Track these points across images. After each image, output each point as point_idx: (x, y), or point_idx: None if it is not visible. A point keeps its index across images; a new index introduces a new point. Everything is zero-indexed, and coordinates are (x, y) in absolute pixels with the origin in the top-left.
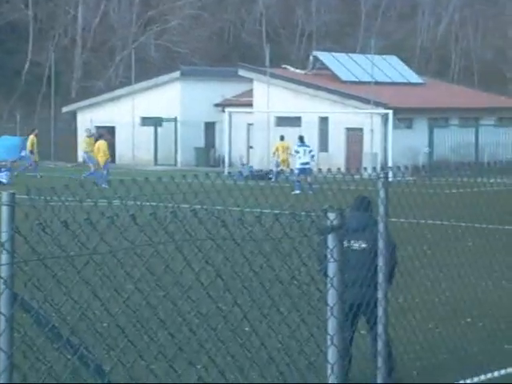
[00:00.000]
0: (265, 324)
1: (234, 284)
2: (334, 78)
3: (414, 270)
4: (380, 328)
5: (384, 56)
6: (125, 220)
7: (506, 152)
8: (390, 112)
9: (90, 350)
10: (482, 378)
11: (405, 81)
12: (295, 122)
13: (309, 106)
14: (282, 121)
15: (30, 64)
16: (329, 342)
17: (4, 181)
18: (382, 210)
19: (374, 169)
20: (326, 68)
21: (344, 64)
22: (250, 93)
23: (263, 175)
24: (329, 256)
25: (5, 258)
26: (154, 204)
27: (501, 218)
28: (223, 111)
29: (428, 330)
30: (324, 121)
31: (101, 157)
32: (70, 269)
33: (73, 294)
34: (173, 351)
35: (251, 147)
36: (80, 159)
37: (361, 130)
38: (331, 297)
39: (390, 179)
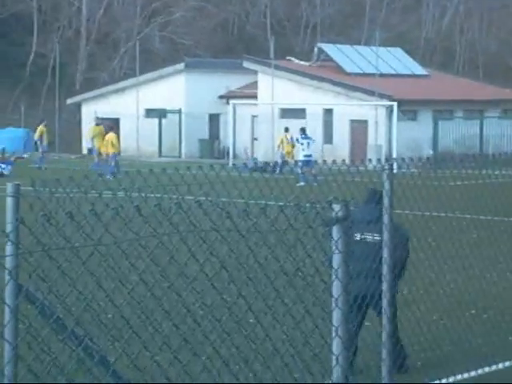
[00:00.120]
0: (269, 315)
1: (238, 275)
2: (339, 69)
3: (418, 262)
4: (384, 319)
5: (388, 48)
6: (129, 211)
7: (510, 144)
8: (395, 104)
9: (94, 341)
10: (487, 369)
11: (409, 73)
12: (300, 113)
13: (313, 97)
14: (287, 113)
15: (34, 56)
16: (333, 334)
17: (6, 172)
18: (386, 201)
19: (379, 160)
20: (331, 60)
21: (348, 56)
22: (254, 85)
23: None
24: (333, 247)
25: (9, 248)
26: (159, 195)
27: (505, 209)
28: (227, 103)
29: (432, 322)
30: (328, 113)
31: (110, 149)
32: (75, 260)
33: (77, 285)
34: (177, 342)
35: (255, 139)
36: (84, 151)
37: (365, 121)
38: (336, 288)
39: (395, 171)
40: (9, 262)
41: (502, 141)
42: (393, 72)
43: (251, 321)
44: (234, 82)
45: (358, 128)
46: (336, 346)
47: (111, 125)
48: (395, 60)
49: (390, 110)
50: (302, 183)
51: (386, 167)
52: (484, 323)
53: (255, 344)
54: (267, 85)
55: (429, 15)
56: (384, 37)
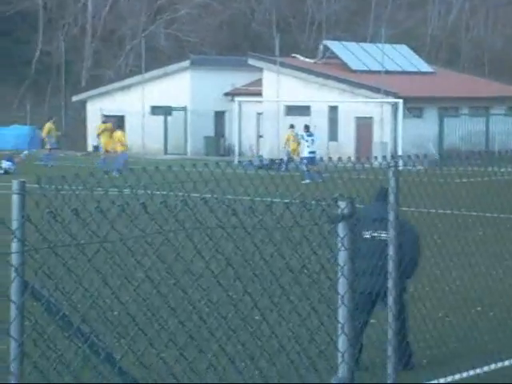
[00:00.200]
0: (275, 312)
1: (244, 272)
2: (344, 66)
3: (424, 259)
4: (390, 317)
5: (394, 45)
6: (135, 208)
7: None
8: (400, 101)
9: (100, 338)
10: (493, 366)
11: (415, 70)
12: (305, 111)
13: (318, 95)
14: (292, 110)
15: (39, 53)
16: (339, 331)
17: (11, 170)
18: (392, 199)
19: (384, 158)
20: (336, 57)
21: (354, 53)
22: (259, 82)
23: (276, 163)
24: (339, 245)
25: (15, 246)
26: (165, 193)
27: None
28: (233, 100)
29: (438, 319)
30: (334, 110)
31: (118, 147)
32: (81, 257)
33: (83, 282)
34: (183, 339)
35: (261, 136)
36: (90, 148)
37: (370, 119)
38: (342, 285)
39: (401, 168)
40: (15, 259)
41: (508, 138)
42: (398, 69)
43: (257, 318)
44: (240, 79)
45: (364, 125)
46: (342, 343)
47: (119, 123)
48: (401, 57)
49: (395, 107)
50: (307, 180)
51: (392, 164)
52: (490, 320)
53: (261, 341)
54: (272, 82)
55: (434, 12)
56: (389, 34)
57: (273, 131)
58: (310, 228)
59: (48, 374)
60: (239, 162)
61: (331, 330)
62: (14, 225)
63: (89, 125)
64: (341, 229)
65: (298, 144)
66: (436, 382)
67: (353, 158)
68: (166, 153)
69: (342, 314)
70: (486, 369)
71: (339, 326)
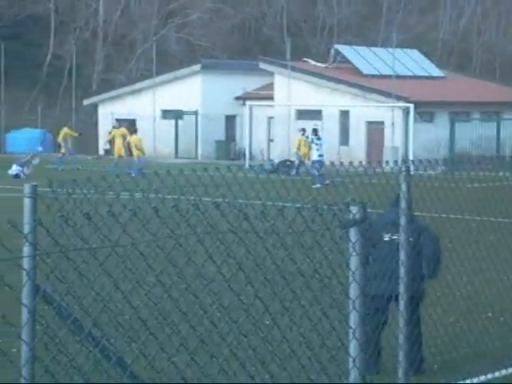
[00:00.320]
0: (286, 317)
1: (255, 277)
2: (355, 71)
3: None
4: (401, 322)
5: (405, 49)
6: (147, 212)
7: None
8: (411, 106)
9: (111, 342)
10: (504, 372)
11: (426, 74)
12: (316, 115)
13: (329, 99)
14: (303, 114)
15: (51, 57)
16: (350, 336)
17: (22, 174)
18: (403, 203)
19: (396, 162)
20: (347, 61)
21: (365, 57)
22: (270, 86)
23: (287, 165)
24: (351, 249)
25: (27, 249)
26: (176, 197)
27: None
28: (244, 104)
29: (449, 324)
30: (345, 114)
31: (135, 152)
32: (92, 261)
33: (95, 287)
34: (194, 344)
35: (272, 140)
36: (101, 152)
37: (382, 123)
38: (353, 290)
39: (412, 173)
40: (26, 263)
41: None
42: (409, 74)
43: (268, 322)
44: (251, 83)
45: (375, 130)
46: (353, 348)
47: (133, 127)
48: (412, 61)
49: (406, 111)
50: (318, 185)
51: (403, 169)
52: (501, 326)
53: (272, 346)
54: (283, 86)
55: (446, 16)
56: (401, 38)
57: (284, 135)
58: (321, 233)
59: (59, 378)
60: (250, 166)
61: (342, 335)
62: (26, 228)
63: (100, 128)
64: (352, 234)
65: (309, 148)
66: None
67: (364, 163)
68: (176, 157)
69: (353, 318)
70: (497, 374)
71: (350, 330)
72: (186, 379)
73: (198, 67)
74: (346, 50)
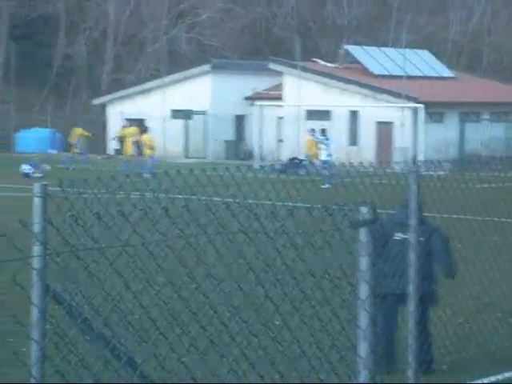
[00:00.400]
0: (297, 317)
1: (266, 277)
2: (365, 71)
3: None
4: (411, 323)
5: (415, 50)
6: (157, 212)
7: None
8: (421, 106)
9: (121, 342)
10: None
11: (436, 75)
12: (325, 115)
13: (339, 99)
14: (313, 114)
15: (61, 56)
16: (360, 337)
17: (32, 173)
18: (413, 204)
19: (405, 163)
20: (357, 62)
21: (375, 58)
22: (279, 86)
23: (296, 164)
24: (360, 250)
25: (37, 249)
26: (186, 197)
27: None
28: (253, 104)
29: (458, 325)
30: (354, 115)
31: (147, 150)
32: (103, 261)
33: (105, 286)
34: (204, 344)
35: (281, 141)
36: (110, 152)
37: (391, 123)
38: (363, 290)
39: (422, 173)
40: (37, 263)
41: None
42: (419, 74)
43: (277, 323)
44: (260, 83)
45: (384, 130)
46: (363, 348)
47: (144, 126)
48: (422, 62)
49: (416, 112)
50: (327, 185)
51: (413, 169)
52: (510, 326)
53: (282, 346)
54: (293, 86)
55: (456, 17)
56: (410, 39)
57: (293, 135)
58: (331, 233)
59: (69, 378)
60: (261, 166)
61: (352, 336)
62: (36, 228)
63: (109, 128)
64: (362, 234)
65: (319, 148)
66: None
67: (373, 163)
68: (186, 156)
69: (362, 319)
70: (507, 375)
71: (360, 331)
72: (195, 379)
73: (208, 67)
74: (355, 51)
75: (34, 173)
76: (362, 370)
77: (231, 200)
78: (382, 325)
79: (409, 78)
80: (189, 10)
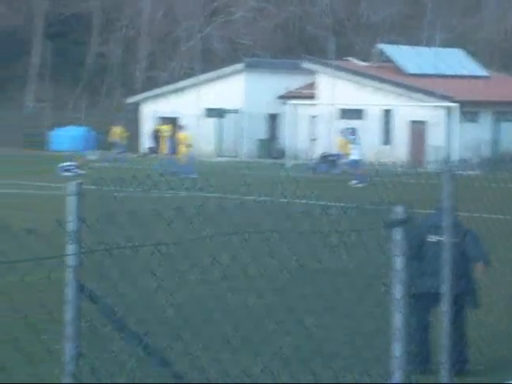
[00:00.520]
0: (330, 317)
1: (299, 276)
2: (398, 70)
3: None
4: (445, 321)
5: (449, 49)
6: (190, 211)
7: None
8: (456, 105)
9: (155, 340)
10: None
11: (470, 74)
12: (359, 114)
13: (372, 98)
14: (346, 113)
15: (95, 55)
16: (394, 336)
17: (69, 174)
18: (446, 203)
19: (438, 162)
20: (391, 60)
21: (409, 56)
22: (312, 85)
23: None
24: (394, 250)
25: (72, 247)
26: (220, 195)
27: None
28: (286, 103)
29: (491, 325)
30: (388, 113)
31: (184, 148)
32: (136, 259)
33: (138, 284)
34: (238, 342)
35: (314, 139)
36: (143, 150)
37: (424, 123)
38: (397, 291)
39: (455, 173)
40: (71, 261)
41: None
42: (453, 73)
43: (310, 322)
44: (293, 82)
45: (417, 129)
46: (397, 348)
47: (182, 125)
48: (455, 61)
49: (450, 111)
50: (354, 182)
51: (446, 169)
52: None
53: (315, 345)
54: (326, 85)
55: (490, 16)
56: (444, 38)
57: (326, 134)
58: (366, 232)
59: (102, 375)
60: (297, 165)
61: (386, 335)
62: (70, 226)
63: (143, 127)
64: (396, 234)
65: (350, 148)
66: None
67: (406, 162)
68: (219, 155)
69: (397, 319)
70: None
71: (394, 331)
72: (229, 378)
73: (241, 66)
74: (389, 49)
75: (71, 171)
76: (396, 370)
77: (265, 199)
78: (416, 324)
79: (442, 76)
80: (222, 8)
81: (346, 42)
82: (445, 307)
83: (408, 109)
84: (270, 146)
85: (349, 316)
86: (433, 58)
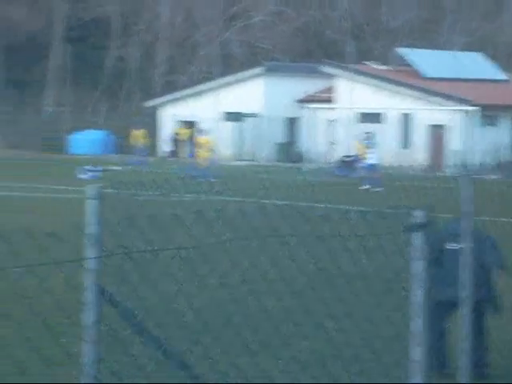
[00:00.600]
0: (349, 320)
1: (317, 280)
2: (417, 74)
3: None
4: (465, 327)
5: (468, 52)
6: (209, 214)
7: None
8: (475, 109)
9: (174, 344)
10: None
11: (489, 77)
12: (377, 118)
13: (391, 102)
14: (365, 117)
15: (113, 59)
16: (413, 341)
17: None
18: (465, 207)
19: (457, 166)
20: (410, 64)
21: (427, 60)
22: (331, 89)
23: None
24: (414, 254)
25: (92, 251)
26: (239, 199)
27: None
28: (305, 107)
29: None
30: (407, 117)
31: (204, 152)
32: (156, 263)
33: (158, 288)
34: (256, 346)
35: (333, 143)
36: (162, 154)
37: (443, 126)
38: (417, 295)
39: (474, 177)
40: (91, 265)
41: None
42: (472, 77)
43: (329, 325)
44: (312, 86)
45: (436, 133)
46: (416, 352)
47: (202, 129)
48: (475, 64)
49: (469, 115)
50: (378, 188)
51: (465, 173)
52: None
53: (335, 349)
54: (345, 89)
55: (510, 19)
56: (463, 41)
57: (345, 138)
58: (385, 237)
59: (122, 378)
60: (319, 168)
61: (405, 339)
62: (90, 230)
63: (161, 130)
64: (416, 238)
65: (366, 152)
66: None
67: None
68: (238, 159)
69: (416, 323)
70: None
71: (414, 335)
72: (248, 380)
73: (260, 70)
74: (408, 53)
75: (92, 175)
76: (416, 374)
77: (283, 202)
78: (432, 330)
79: (461, 80)
80: (241, 12)
81: (365, 46)
82: (464, 311)
83: (427, 112)
84: (289, 149)
85: (368, 320)
86: (452, 62)
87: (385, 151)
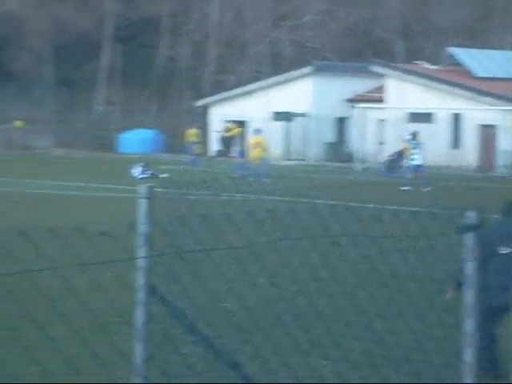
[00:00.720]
0: (400, 321)
1: (369, 280)
2: (468, 73)
3: None
4: None
5: None
6: (261, 214)
7: None
8: None
9: (225, 343)
10: None
11: None
12: (428, 118)
13: (442, 102)
14: (415, 117)
15: (163, 58)
16: (466, 342)
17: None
18: None
19: (509, 167)
20: (460, 64)
21: (479, 60)
22: (381, 88)
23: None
24: (467, 255)
25: (143, 250)
26: (291, 199)
27: None
28: (355, 107)
29: None
30: (457, 117)
31: (258, 152)
32: (207, 262)
33: (208, 287)
34: (307, 346)
35: (382, 143)
36: (211, 153)
37: (495, 126)
38: (469, 296)
39: None
40: (143, 264)
41: None
42: None
43: (379, 326)
44: (361, 85)
45: (487, 133)
46: (468, 354)
47: (258, 128)
48: None
49: None
50: (428, 188)
51: None
52: None
53: (385, 349)
54: (395, 88)
55: None
56: None
57: (395, 138)
58: (436, 237)
59: (172, 377)
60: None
61: (457, 341)
62: (142, 229)
63: (211, 130)
64: (468, 239)
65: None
66: None
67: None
68: (287, 158)
69: (468, 325)
70: None
71: (466, 337)
72: (298, 380)
73: (309, 69)
74: (459, 52)
75: (146, 174)
76: (467, 375)
77: (334, 202)
78: (485, 332)
79: None
80: (291, 12)
81: (414, 46)
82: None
83: (477, 112)
84: (338, 149)
85: (419, 321)
86: (503, 62)
87: (435, 151)
